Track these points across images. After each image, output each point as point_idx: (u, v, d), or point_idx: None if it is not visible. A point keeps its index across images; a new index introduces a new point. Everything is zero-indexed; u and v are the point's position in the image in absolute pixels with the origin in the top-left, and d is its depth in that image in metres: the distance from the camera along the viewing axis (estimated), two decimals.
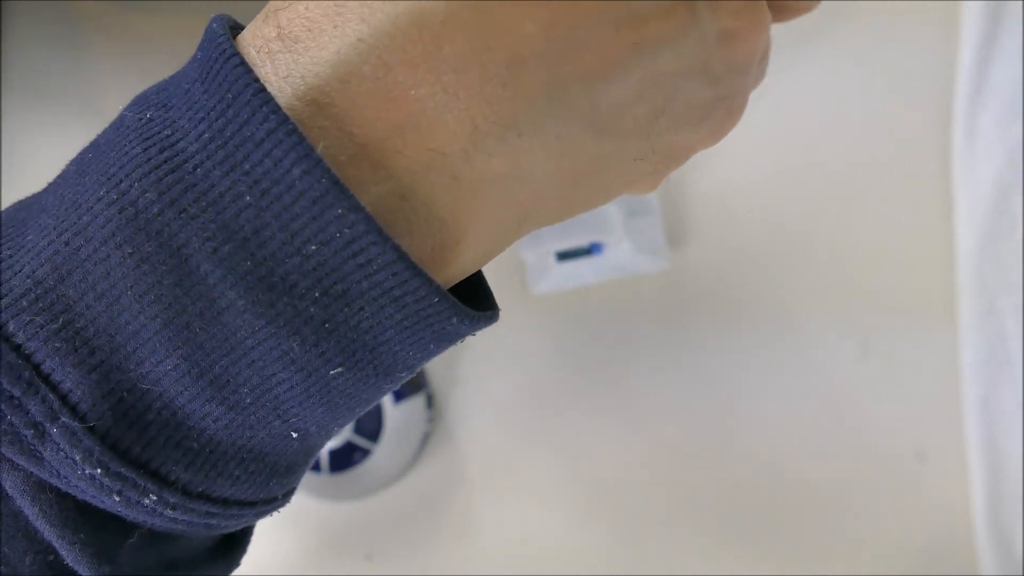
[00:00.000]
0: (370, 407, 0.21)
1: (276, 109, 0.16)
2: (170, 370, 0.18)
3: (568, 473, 0.49)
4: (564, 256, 0.44)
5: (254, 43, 0.18)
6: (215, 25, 0.18)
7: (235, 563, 0.23)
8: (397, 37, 0.17)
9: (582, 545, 0.49)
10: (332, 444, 0.45)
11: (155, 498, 0.18)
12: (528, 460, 0.49)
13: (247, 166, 0.17)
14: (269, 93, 0.17)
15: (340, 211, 0.16)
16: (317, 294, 0.17)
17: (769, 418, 0.48)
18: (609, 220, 0.41)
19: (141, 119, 0.18)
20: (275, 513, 0.22)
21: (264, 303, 0.17)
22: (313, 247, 0.17)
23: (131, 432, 0.18)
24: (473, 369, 0.49)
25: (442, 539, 0.49)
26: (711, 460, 0.48)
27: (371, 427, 0.45)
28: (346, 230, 0.17)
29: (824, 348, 0.48)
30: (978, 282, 0.46)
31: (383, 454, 0.45)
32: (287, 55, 0.17)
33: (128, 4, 0.48)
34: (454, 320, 0.19)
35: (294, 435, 0.20)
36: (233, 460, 0.19)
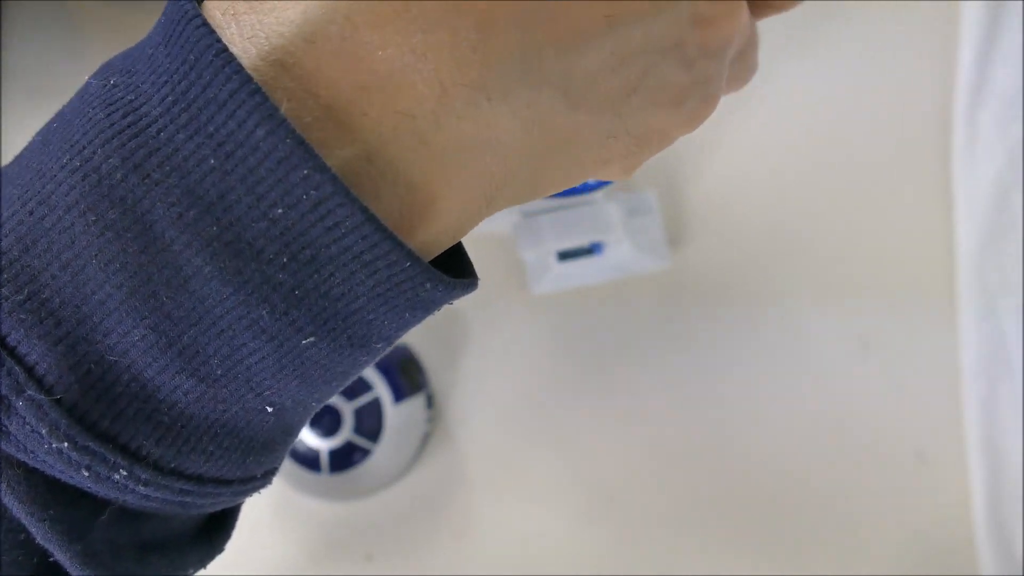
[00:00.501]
0: (348, 382, 0.20)
1: (239, 70, 0.16)
2: (137, 341, 0.17)
3: (568, 473, 0.49)
4: (564, 256, 0.44)
5: (220, 6, 0.17)
6: None
7: (218, 548, 0.23)
8: None
9: (582, 545, 0.49)
10: (332, 444, 0.45)
11: (125, 473, 0.18)
12: (528, 460, 0.49)
13: (211, 128, 0.16)
14: (231, 54, 0.16)
15: (306, 172, 0.16)
16: (285, 259, 0.17)
17: (769, 418, 0.48)
18: (609, 220, 0.41)
19: (105, 85, 0.18)
20: (256, 494, 0.22)
21: (231, 269, 0.17)
22: (280, 210, 0.16)
23: (99, 405, 0.17)
24: (473, 369, 0.49)
25: (442, 539, 0.49)
26: (711, 460, 0.48)
27: (371, 427, 0.45)
28: (312, 192, 0.16)
29: (824, 348, 0.48)
30: (978, 282, 0.46)
31: (383, 454, 0.45)
32: (252, 16, 0.17)
33: (127, 4, 0.48)
34: (427, 286, 0.18)
35: (269, 409, 0.19)
36: (206, 435, 0.19)
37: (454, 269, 0.21)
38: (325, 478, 0.45)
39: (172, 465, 0.19)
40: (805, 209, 0.49)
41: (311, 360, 0.18)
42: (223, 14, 0.17)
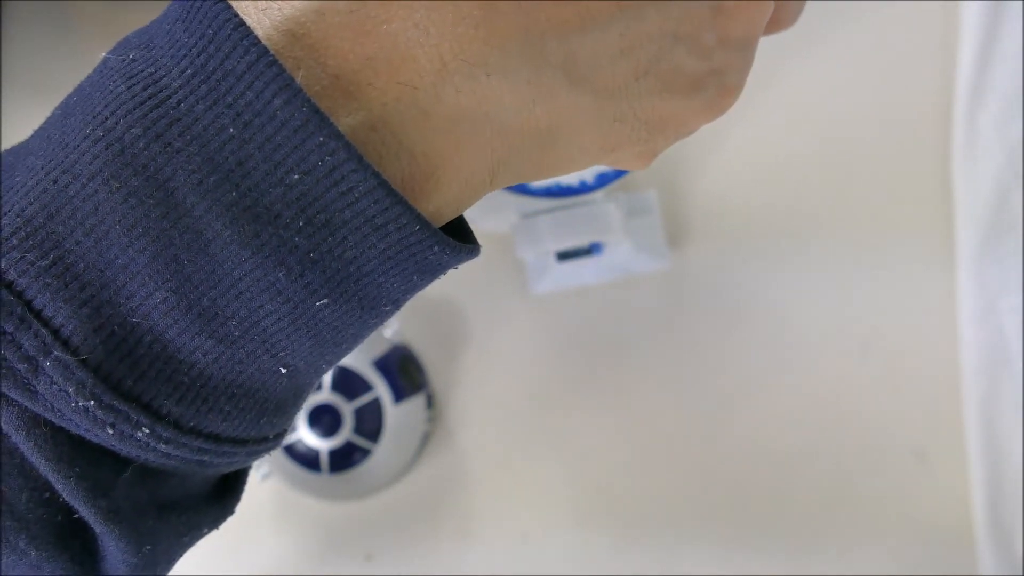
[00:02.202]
0: (356, 345, 0.21)
1: (256, 42, 0.17)
2: (159, 303, 0.18)
3: (568, 473, 0.49)
4: (564, 256, 0.44)
5: None
6: None
7: (229, 510, 0.23)
8: None
9: (582, 545, 0.49)
10: (332, 444, 0.45)
11: (148, 431, 0.19)
12: (528, 460, 0.49)
13: (229, 99, 0.17)
14: (248, 27, 0.17)
15: (321, 139, 0.17)
16: (301, 223, 0.17)
17: (769, 418, 0.48)
18: (609, 221, 0.41)
19: (124, 60, 0.18)
20: (267, 455, 0.22)
21: (249, 233, 0.17)
22: (296, 176, 0.17)
23: (123, 365, 0.18)
24: (473, 369, 0.49)
25: (442, 539, 0.49)
26: (711, 460, 0.48)
27: (371, 427, 0.45)
28: (327, 158, 0.17)
29: (824, 348, 0.48)
30: (978, 282, 0.46)
31: (383, 454, 0.45)
32: None
33: (127, 4, 0.48)
34: (435, 249, 0.19)
35: (283, 371, 0.20)
36: (224, 395, 0.19)
37: (457, 239, 0.22)
38: (325, 478, 0.45)
39: (191, 424, 0.19)
40: (805, 209, 0.49)
41: (324, 322, 0.19)
42: None
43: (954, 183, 0.47)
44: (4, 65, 0.50)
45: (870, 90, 0.48)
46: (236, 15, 0.17)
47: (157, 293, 0.18)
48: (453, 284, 0.48)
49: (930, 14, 0.48)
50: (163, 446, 0.19)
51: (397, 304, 0.20)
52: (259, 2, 0.18)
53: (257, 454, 0.22)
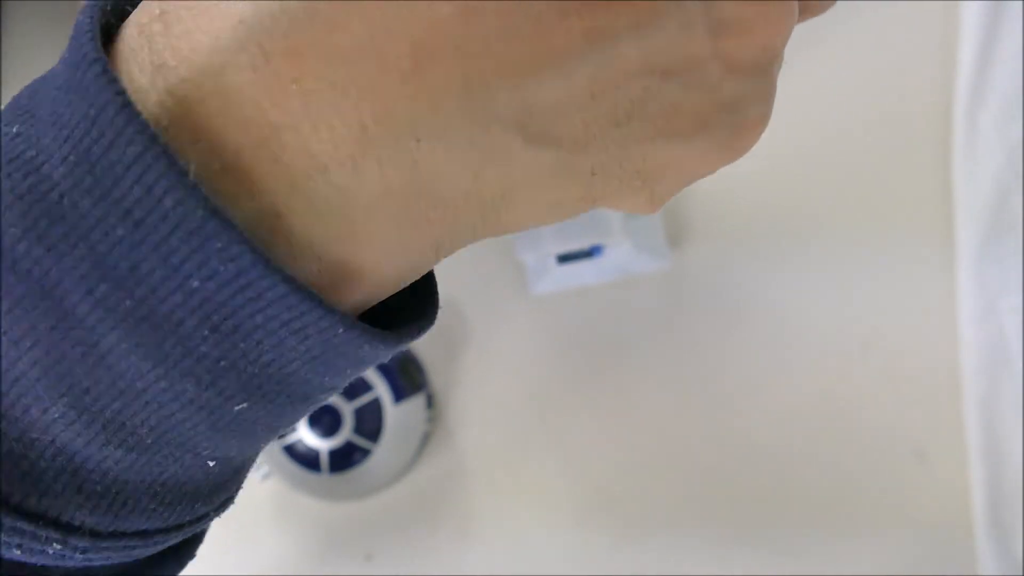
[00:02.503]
0: (296, 423, 0.19)
1: (142, 129, 0.14)
2: (58, 418, 0.16)
3: (568, 473, 0.49)
4: (565, 259, 0.44)
5: (139, 21, 0.16)
6: (83, 17, 0.16)
7: (190, 555, 0.21)
8: (281, 20, 0.14)
9: (582, 545, 0.49)
10: (332, 444, 0.45)
11: (59, 547, 0.17)
12: (528, 460, 0.49)
13: (117, 194, 0.15)
14: (134, 108, 0.14)
15: (220, 245, 0.14)
16: (207, 332, 0.15)
17: (769, 418, 0.48)
18: (609, 223, 0.41)
19: (8, 134, 0.16)
20: (219, 515, 0.21)
21: (150, 345, 0.15)
22: (196, 283, 0.15)
23: (24, 484, 0.16)
24: (473, 369, 0.49)
25: (442, 539, 0.49)
26: (711, 460, 0.48)
27: (371, 427, 0.45)
28: (229, 264, 0.15)
29: (824, 348, 0.48)
30: (978, 282, 0.46)
31: (383, 454, 0.45)
32: (165, 39, 0.15)
33: None
34: (365, 347, 0.17)
35: (211, 464, 0.18)
36: (145, 495, 0.18)
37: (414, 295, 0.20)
38: (325, 478, 0.45)
39: (111, 529, 0.18)
40: (805, 209, 0.49)
41: (248, 420, 0.17)
42: (139, 34, 0.16)
43: (954, 183, 0.47)
44: (4, 65, 0.50)
45: (870, 90, 0.48)
46: (122, 90, 0.14)
47: (54, 408, 0.16)
48: (453, 284, 0.48)
49: (930, 14, 0.48)
50: (80, 555, 0.17)
51: (334, 390, 0.18)
52: (155, 56, 0.15)
53: (201, 525, 0.20)
